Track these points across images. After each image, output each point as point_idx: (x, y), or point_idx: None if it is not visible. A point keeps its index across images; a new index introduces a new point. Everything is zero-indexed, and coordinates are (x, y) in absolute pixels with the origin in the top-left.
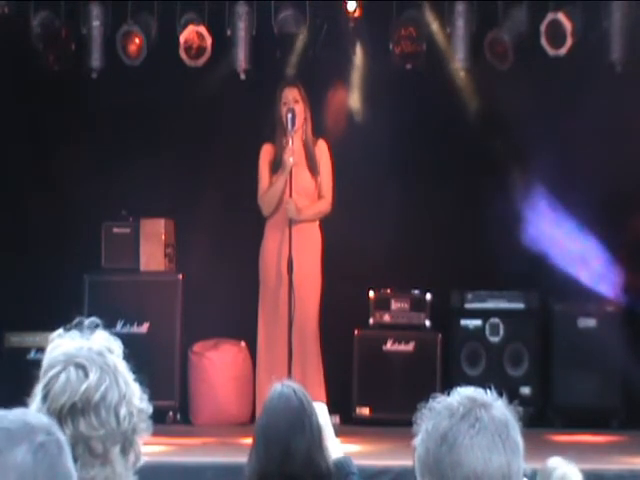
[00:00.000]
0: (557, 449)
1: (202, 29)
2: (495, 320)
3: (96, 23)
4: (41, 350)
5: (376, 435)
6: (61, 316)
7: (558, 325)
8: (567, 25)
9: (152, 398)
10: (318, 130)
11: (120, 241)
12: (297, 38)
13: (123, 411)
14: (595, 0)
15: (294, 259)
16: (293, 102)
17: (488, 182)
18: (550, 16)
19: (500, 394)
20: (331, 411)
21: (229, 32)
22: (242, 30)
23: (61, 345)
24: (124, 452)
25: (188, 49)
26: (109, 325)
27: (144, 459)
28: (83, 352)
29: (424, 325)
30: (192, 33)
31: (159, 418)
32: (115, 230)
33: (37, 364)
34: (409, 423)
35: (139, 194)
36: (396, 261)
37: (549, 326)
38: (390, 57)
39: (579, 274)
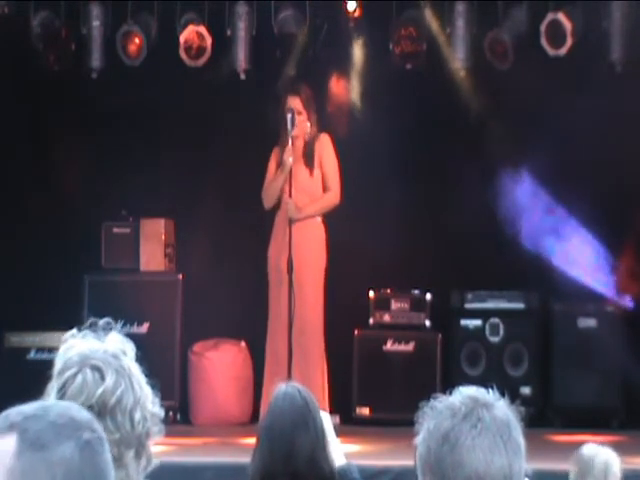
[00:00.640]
0: (557, 449)
1: (202, 29)
2: (495, 320)
3: (96, 23)
4: (41, 350)
5: (376, 435)
6: (61, 316)
7: (558, 325)
8: (567, 25)
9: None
10: (319, 128)
11: (120, 241)
12: (297, 38)
13: (138, 415)
14: (595, 0)
15: (297, 258)
16: (295, 112)
17: (488, 182)
18: (550, 16)
19: (502, 394)
20: (331, 411)
21: (229, 32)
22: (242, 30)
23: (75, 346)
24: (137, 456)
25: (188, 49)
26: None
27: (155, 462)
28: (99, 354)
29: (424, 325)
30: (192, 33)
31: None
32: (115, 230)
33: (37, 364)
34: (409, 423)
35: (139, 194)
36: (396, 261)
37: (549, 326)
38: (390, 57)
39: (580, 276)
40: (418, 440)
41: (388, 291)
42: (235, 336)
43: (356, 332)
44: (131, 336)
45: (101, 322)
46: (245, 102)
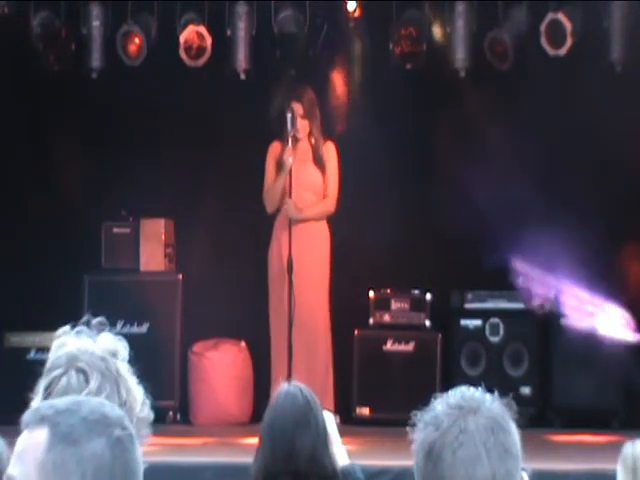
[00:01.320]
0: (557, 449)
1: (202, 29)
2: (495, 320)
3: (96, 23)
4: (41, 350)
5: (376, 435)
6: (61, 316)
7: (558, 325)
8: (567, 25)
9: (152, 398)
10: (323, 132)
11: (120, 241)
12: (297, 38)
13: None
14: (595, 0)
15: (299, 259)
16: (298, 117)
17: (488, 182)
18: (550, 16)
19: (491, 391)
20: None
21: (229, 32)
22: (242, 30)
23: (66, 344)
24: None
25: (188, 49)
26: (109, 325)
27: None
28: (86, 356)
29: (424, 325)
30: (192, 33)
31: (159, 418)
32: (115, 230)
33: (37, 364)
34: (407, 425)
35: (139, 194)
36: (396, 261)
37: (549, 326)
38: (390, 57)
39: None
40: (413, 451)
41: (388, 291)
42: (235, 336)
43: (356, 332)
44: (131, 336)
45: (94, 321)
46: (245, 102)
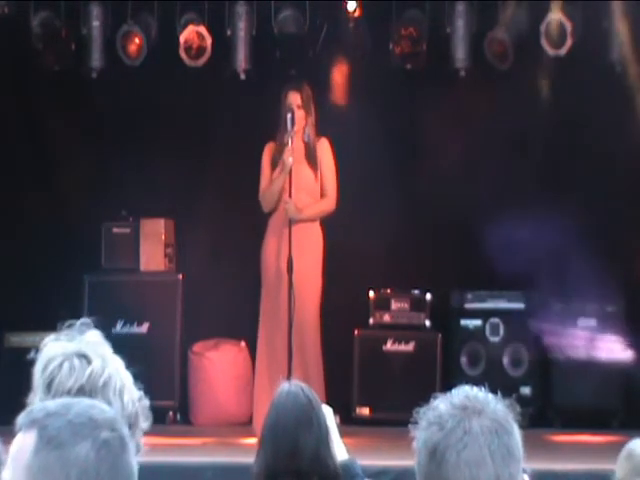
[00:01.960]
0: (557, 449)
1: (202, 29)
2: (495, 320)
3: (96, 23)
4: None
5: (376, 435)
6: (61, 316)
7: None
8: (567, 25)
9: (152, 398)
10: (319, 130)
11: (120, 241)
12: (297, 38)
13: (126, 396)
14: (595, 0)
15: (294, 259)
16: (295, 107)
17: (488, 182)
18: (550, 16)
19: (495, 392)
20: None
21: (229, 32)
22: (242, 30)
23: (56, 345)
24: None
25: (188, 49)
26: (109, 325)
27: (144, 451)
28: (82, 344)
29: (424, 325)
30: (192, 33)
31: (159, 418)
32: (115, 230)
33: None
34: (409, 423)
35: (139, 194)
36: (396, 261)
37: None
38: (390, 57)
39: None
40: (414, 449)
41: (388, 291)
42: (235, 336)
43: (356, 332)
44: (131, 336)
45: (78, 323)
46: (245, 102)
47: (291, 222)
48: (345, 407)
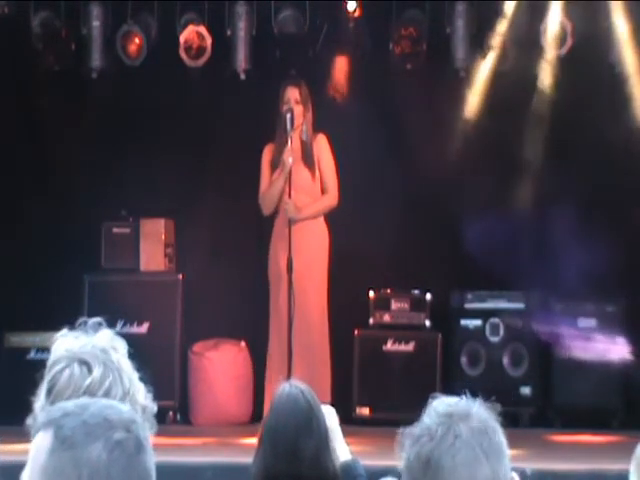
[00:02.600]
0: (557, 449)
1: (202, 29)
2: (495, 320)
3: (96, 23)
4: (41, 350)
5: (376, 435)
6: (61, 316)
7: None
8: (567, 25)
9: (152, 398)
10: (317, 128)
11: (120, 241)
12: (297, 38)
13: (128, 406)
14: (594, 0)
15: (298, 258)
16: (293, 102)
17: (488, 181)
18: (550, 16)
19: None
20: None
21: (229, 32)
22: (242, 30)
23: (65, 343)
24: None
25: (188, 49)
26: (109, 325)
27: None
28: (87, 349)
29: (424, 325)
30: (192, 33)
31: (159, 418)
32: (115, 230)
33: (37, 364)
34: (409, 423)
35: (139, 194)
36: (396, 261)
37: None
38: (390, 57)
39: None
40: (401, 470)
41: (388, 291)
42: (235, 336)
43: (356, 332)
44: (131, 336)
45: (91, 322)
46: (245, 102)
47: (291, 222)
48: (345, 407)
